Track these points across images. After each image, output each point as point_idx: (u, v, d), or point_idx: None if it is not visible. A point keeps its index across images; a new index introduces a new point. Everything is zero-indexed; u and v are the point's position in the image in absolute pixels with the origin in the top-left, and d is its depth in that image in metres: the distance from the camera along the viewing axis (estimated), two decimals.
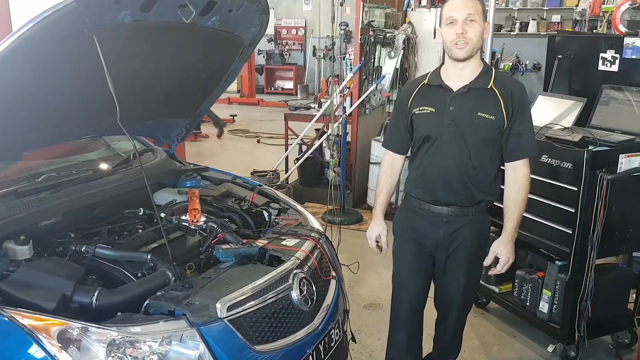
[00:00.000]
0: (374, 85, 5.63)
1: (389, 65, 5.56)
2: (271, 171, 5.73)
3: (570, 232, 2.90)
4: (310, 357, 2.01)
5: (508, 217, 2.31)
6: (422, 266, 2.41)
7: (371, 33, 5.56)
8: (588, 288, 2.89)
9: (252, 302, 1.86)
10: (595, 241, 2.83)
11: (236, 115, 10.55)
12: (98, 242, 2.09)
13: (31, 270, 1.80)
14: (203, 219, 2.37)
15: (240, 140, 9.28)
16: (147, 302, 1.78)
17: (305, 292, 2.02)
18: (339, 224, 4.71)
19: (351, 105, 5.64)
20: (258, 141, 9.03)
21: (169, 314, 1.74)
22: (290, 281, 2.01)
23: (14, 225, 1.96)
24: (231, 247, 2.14)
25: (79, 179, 2.34)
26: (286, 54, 14.33)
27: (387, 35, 5.54)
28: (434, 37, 5.42)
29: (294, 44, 14.48)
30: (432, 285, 2.50)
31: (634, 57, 3.39)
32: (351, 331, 2.52)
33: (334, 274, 2.38)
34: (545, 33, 10.60)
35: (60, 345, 1.55)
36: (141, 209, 2.43)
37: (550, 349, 3.21)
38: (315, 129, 6.12)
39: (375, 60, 5.64)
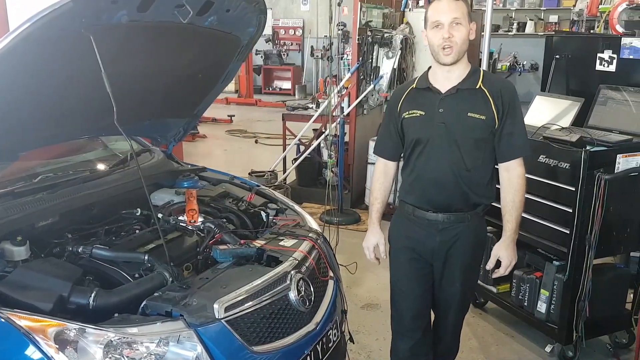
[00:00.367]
0: (372, 86, 5.61)
1: (386, 66, 5.54)
2: (269, 171, 5.72)
3: (568, 232, 2.90)
4: (308, 357, 2.01)
5: (507, 219, 2.30)
6: (420, 273, 2.38)
7: (369, 33, 5.55)
8: (586, 288, 2.90)
9: (250, 303, 1.86)
10: (593, 241, 2.83)
11: (234, 116, 10.55)
12: (95, 242, 2.09)
13: (28, 271, 1.80)
14: (200, 219, 2.36)
15: (238, 140, 9.27)
16: (144, 303, 1.78)
17: (303, 293, 2.02)
18: (337, 224, 4.70)
19: (349, 106, 5.64)
20: (256, 141, 9.02)
21: (167, 314, 1.74)
22: (288, 282, 2.00)
23: (11, 225, 1.96)
24: (229, 247, 2.14)
25: (76, 179, 2.34)
26: (284, 54, 14.31)
27: (385, 35, 5.53)
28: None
29: (291, 44, 14.46)
30: None
31: (631, 57, 3.39)
32: (349, 331, 2.51)
33: (331, 274, 2.37)
34: (542, 33, 10.63)
35: (57, 346, 1.55)
36: (138, 209, 2.43)
37: (548, 348, 3.21)
38: (313, 129, 6.11)
39: (373, 60, 5.63)
